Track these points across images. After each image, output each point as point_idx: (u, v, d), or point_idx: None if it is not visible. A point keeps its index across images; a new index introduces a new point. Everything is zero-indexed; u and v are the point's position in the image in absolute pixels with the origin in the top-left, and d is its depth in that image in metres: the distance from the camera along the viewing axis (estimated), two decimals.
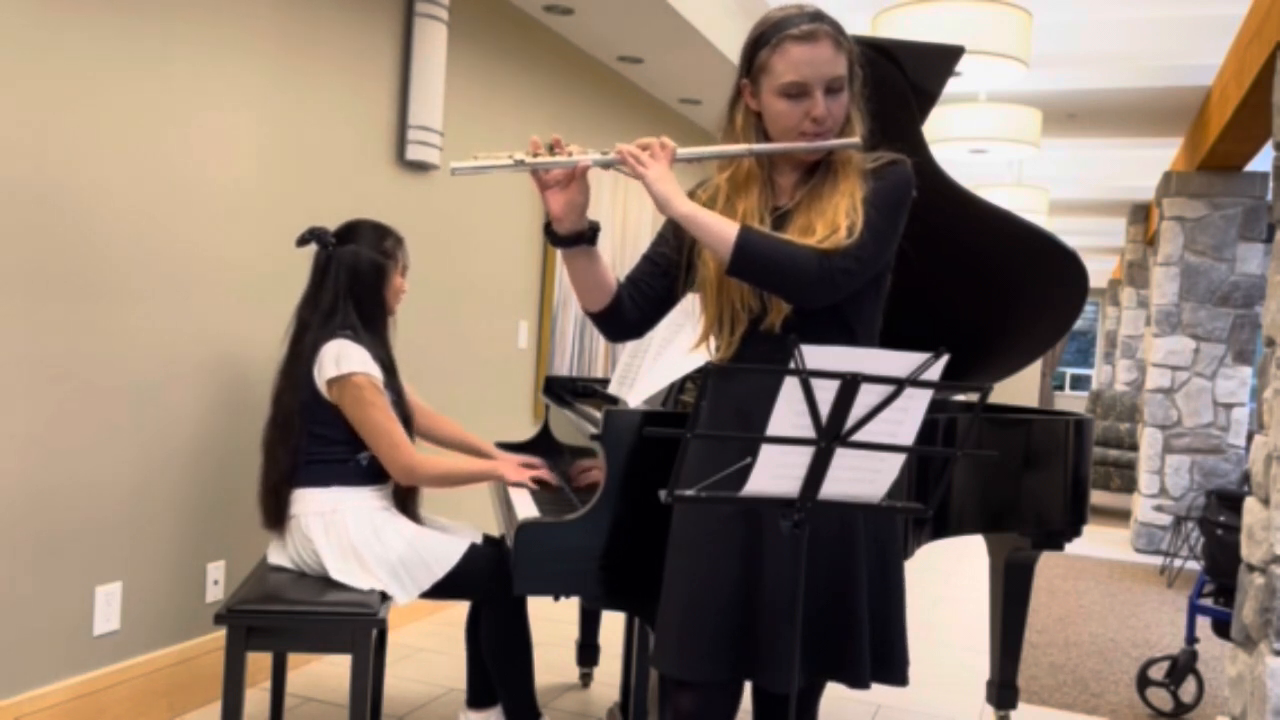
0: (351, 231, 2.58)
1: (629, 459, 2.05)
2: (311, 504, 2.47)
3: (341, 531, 2.44)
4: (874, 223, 1.68)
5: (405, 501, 2.62)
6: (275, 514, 2.49)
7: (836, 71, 1.70)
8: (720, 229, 1.65)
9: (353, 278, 2.53)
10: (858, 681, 1.72)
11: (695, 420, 1.39)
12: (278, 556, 2.54)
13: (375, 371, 2.48)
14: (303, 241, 2.55)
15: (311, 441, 2.48)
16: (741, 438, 1.47)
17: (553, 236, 1.77)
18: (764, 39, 1.73)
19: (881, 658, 1.77)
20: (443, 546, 2.47)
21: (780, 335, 1.76)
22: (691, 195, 1.88)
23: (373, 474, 2.54)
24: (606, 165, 1.71)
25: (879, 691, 3.45)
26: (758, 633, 1.71)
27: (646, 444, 2.05)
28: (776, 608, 1.70)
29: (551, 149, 1.73)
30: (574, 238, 1.76)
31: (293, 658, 3.31)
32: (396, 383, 2.58)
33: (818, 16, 1.71)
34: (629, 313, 1.86)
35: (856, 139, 1.74)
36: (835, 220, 1.68)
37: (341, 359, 2.43)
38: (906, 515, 2.27)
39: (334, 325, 2.50)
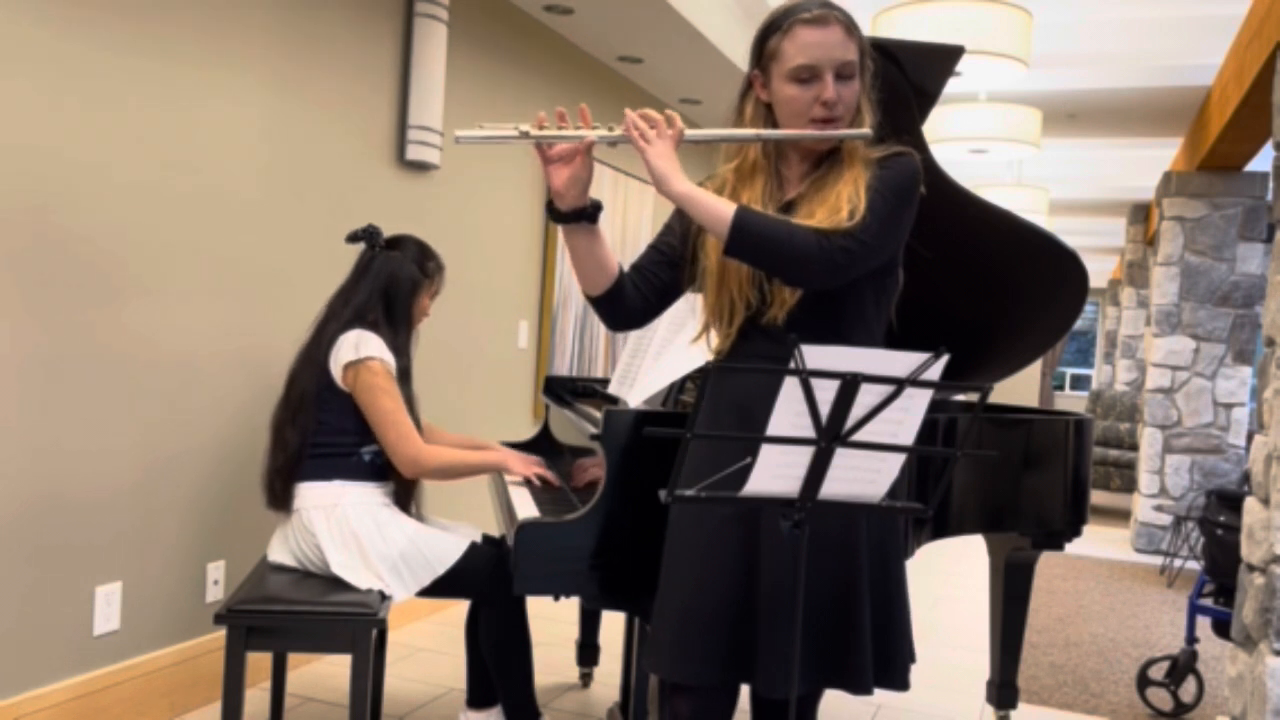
0: (400, 242, 2.68)
1: (629, 459, 2.05)
2: (313, 498, 2.48)
3: (343, 523, 2.45)
4: (877, 207, 1.67)
5: (404, 500, 2.63)
6: (280, 496, 2.51)
7: (847, 57, 1.70)
8: (717, 208, 1.65)
9: (389, 283, 2.62)
10: (860, 688, 1.71)
11: (695, 420, 1.39)
12: (279, 553, 2.54)
13: (391, 361, 2.54)
14: (353, 238, 2.65)
15: (319, 430, 2.51)
16: (741, 438, 1.47)
17: (554, 213, 1.76)
18: (774, 25, 1.73)
19: (883, 662, 1.76)
20: (444, 544, 2.49)
21: (780, 330, 1.75)
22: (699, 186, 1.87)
23: (375, 470, 2.56)
24: (613, 142, 1.70)
25: (880, 691, 3.45)
26: (754, 637, 1.71)
27: (646, 444, 2.05)
28: (773, 612, 1.69)
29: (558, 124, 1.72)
30: (575, 214, 1.76)
31: (293, 658, 3.31)
32: (410, 391, 2.64)
33: (828, 3, 1.72)
34: (632, 299, 1.84)
35: (866, 129, 1.72)
36: (837, 205, 1.68)
37: (361, 344, 2.50)
38: (906, 515, 2.27)
39: (360, 321, 2.57)
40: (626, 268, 1.87)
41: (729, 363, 1.80)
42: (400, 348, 2.63)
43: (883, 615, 1.76)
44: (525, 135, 1.66)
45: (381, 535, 2.46)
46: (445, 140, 3.91)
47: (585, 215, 1.76)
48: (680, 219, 1.87)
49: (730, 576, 1.72)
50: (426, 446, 2.51)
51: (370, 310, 2.58)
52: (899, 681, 1.77)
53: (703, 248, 1.82)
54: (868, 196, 1.68)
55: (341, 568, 2.42)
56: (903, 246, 1.80)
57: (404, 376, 2.61)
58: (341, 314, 2.58)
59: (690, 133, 1.70)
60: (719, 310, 1.81)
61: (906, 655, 1.79)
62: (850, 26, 1.72)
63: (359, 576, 2.42)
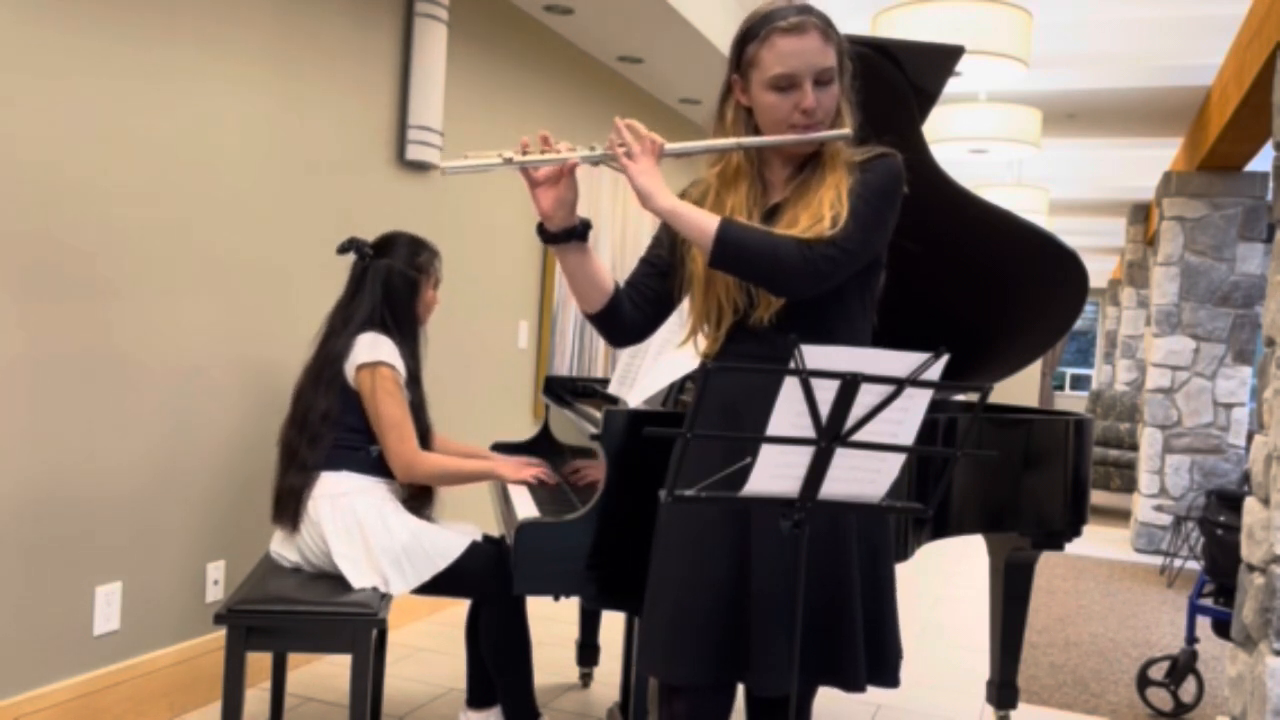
0: (388, 244, 2.67)
1: (629, 459, 2.05)
2: (320, 487, 2.50)
3: (349, 512, 2.47)
4: (859, 213, 1.68)
5: (418, 505, 2.65)
6: (289, 512, 2.51)
7: (825, 63, 1.70)
8: (701, 222, 1.66)
9: (386, 290, 2.62)
10: (853, 685, 1.71)
11: (692, 420, 1.39)
12: (281, 544, 2.56)
13: (401, 368, 2.56)
14: (343, 249, 2.65)
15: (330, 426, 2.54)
16: (742, 438, 1.47)
17: (544, 234, 1.77)
18: (752, 33, 1.74)
19: (874, 659, 1.76)
20: (445, 540, 2.50)
21: (766, 331, 1.76)
22: (683, 194, 1.88)
23: (382, 467, 2.59)
24: (595, 161, 1.71)
25: (878, 691, 3.45)
26: (747, 636, 1.71)
27: (646, 444, 2.05)
28: (766, 610, 1.69)
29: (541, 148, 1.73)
30: (565, 234, 1.77)
31: (293, 658, 3.31)
32: (420, 394, 2.66)
33: (805, 9, 1.71)
34: (629, 315, 1.86)
35: (846, 130, 1.73)
36: (820, 211, 1.68)
37: (375, 347, 2.53)
38: (906, 515, 2.27)
39: (370, 325, 2.59)
40: (622, 284, 1.88)
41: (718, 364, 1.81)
42: (411, 352, 2.64)
43: (873, 613, 1.77)
44: (509, 161, 1.68)
45: (385, 527, 2.47)
46: (445, 140, 3.91)
47: (575, 235, 1.77)
48: (667, 229, 1.87)
49: (721, 575, 1.72)
50: (422, 453, 2.54)
51: (375, 321, 2.59)
52: (890, 678, 1.77)
53: (689, 253, 1.82)
54: (850, 202, 1.68)
55: (343, 559, 2.43)
56: (887, 245, 1.80)
57: (413, 380, 2.63)
58: (343, 330, 2.59)
59: (670, 146, 1.71)
60: (707, 314, 1.82)
61: (896, 652, 1.79)
62: (827, 31, 1.72)
63: (359, 569, 2.42)
